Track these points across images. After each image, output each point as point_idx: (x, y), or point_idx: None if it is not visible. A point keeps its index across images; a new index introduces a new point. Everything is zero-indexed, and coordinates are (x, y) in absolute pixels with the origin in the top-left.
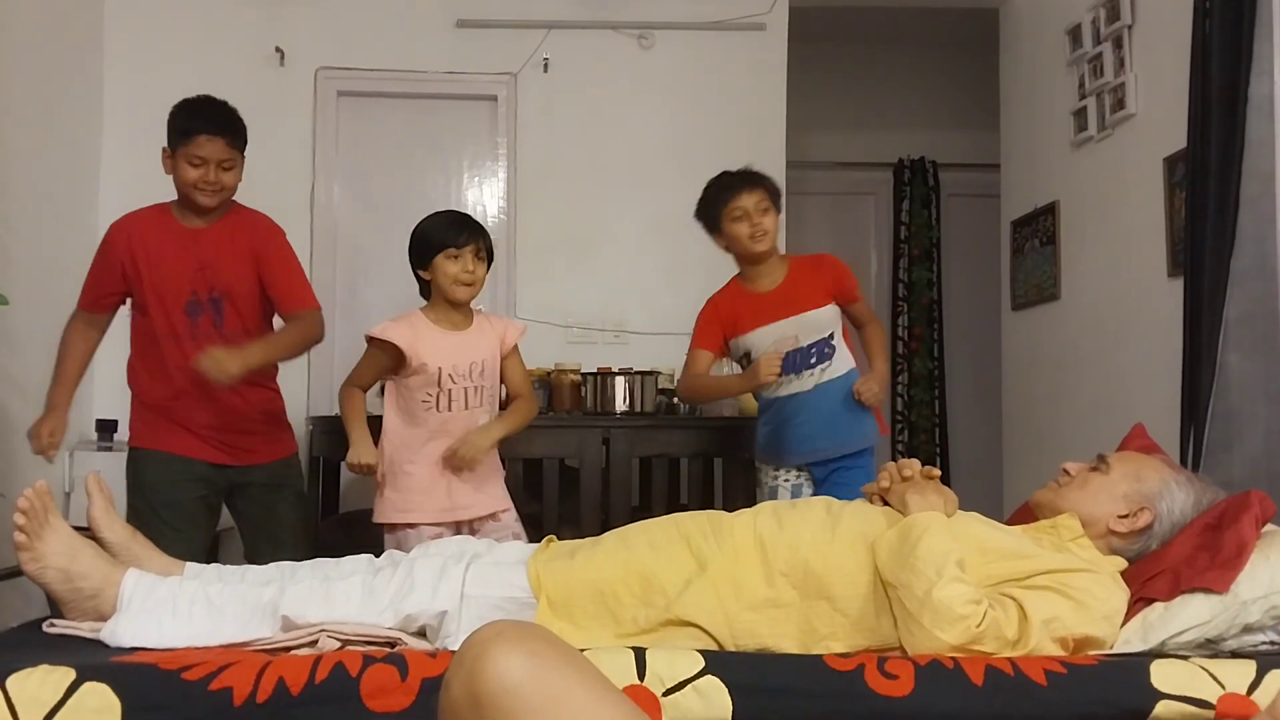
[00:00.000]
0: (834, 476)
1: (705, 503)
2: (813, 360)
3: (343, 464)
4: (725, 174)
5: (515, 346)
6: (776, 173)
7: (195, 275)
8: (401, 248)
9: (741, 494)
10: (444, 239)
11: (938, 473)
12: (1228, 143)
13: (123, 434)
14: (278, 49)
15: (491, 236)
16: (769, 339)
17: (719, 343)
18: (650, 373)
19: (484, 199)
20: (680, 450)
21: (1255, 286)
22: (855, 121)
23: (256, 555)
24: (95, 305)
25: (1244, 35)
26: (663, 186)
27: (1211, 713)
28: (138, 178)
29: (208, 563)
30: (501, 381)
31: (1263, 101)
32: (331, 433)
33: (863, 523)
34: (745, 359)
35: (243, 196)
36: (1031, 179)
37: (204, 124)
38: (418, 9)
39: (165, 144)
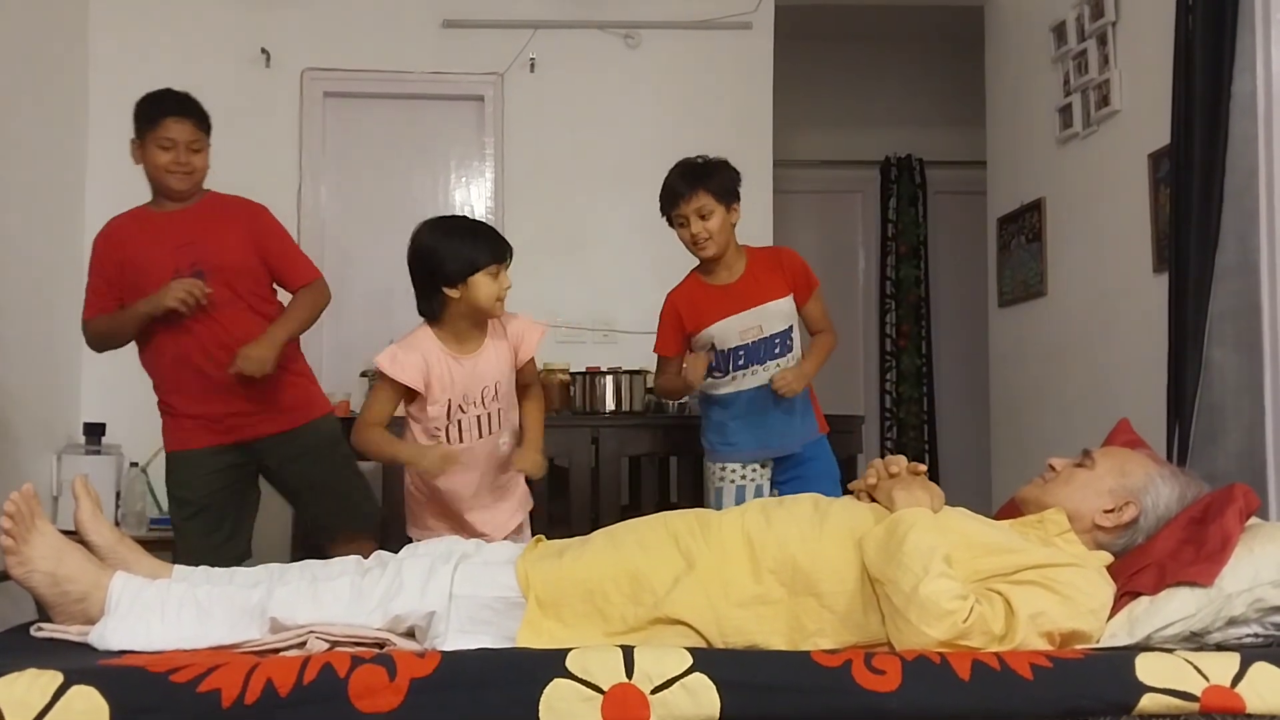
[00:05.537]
0: (796, 470)
1: (694, 501)
2: (776, 350)
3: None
4: (672, 172)
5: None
6: (764, 171)
7: (174, 253)
8: (388, 248)
9: None
10: (489, 255)
11: (923, 468)
12: (1211, 139)
13: (111, 438)
14: (263, 50)
15: None
16: (734, 329)
17: (679, 344)
18: (639, 372)
19: (471, 199)
20: (669, 449)
21: (1238, 282)
22: (842, 119)
23: (318, 524)
24: (100, 314)
25: (1226, 32)
26: (650, 186)
27: (1196, 705)
28: (124, 179)
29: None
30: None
31: (1245, 98)
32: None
33: (850, 519)
34: (711, 350)
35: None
36: (1017, 176)
37: (170, 107)
38: (403, 10)
39: (133, 137)
